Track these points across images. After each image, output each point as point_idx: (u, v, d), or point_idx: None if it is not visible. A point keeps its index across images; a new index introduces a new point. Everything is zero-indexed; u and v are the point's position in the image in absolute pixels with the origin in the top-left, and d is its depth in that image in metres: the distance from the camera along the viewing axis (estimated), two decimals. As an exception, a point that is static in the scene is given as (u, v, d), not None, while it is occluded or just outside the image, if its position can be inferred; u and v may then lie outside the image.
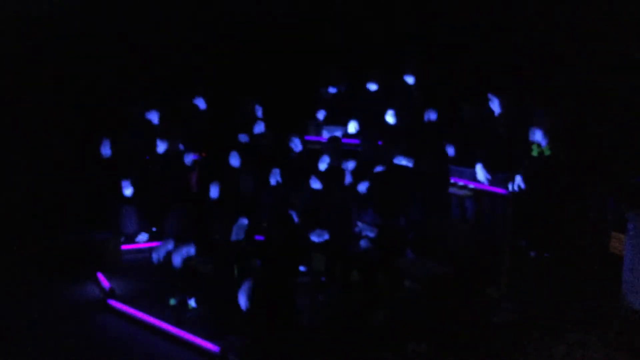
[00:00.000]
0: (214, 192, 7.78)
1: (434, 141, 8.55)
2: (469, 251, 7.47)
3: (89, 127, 9.51)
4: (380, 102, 9.46)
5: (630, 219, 6.73)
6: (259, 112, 9.51)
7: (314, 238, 7.06)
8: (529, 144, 8.01)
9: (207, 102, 9.74)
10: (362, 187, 7.82)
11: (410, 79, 9.48)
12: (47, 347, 6.09)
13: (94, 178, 8.74)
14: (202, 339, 6.05)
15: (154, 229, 8.72)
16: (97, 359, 5.97)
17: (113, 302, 6.85)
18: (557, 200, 7.90)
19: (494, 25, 9.70)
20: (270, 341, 6.11)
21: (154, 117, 9.23)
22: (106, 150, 8.65)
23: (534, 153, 7.98)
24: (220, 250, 6.76)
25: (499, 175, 7.93)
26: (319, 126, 9.63)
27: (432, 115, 8.80)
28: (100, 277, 7.41)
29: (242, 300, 6.10)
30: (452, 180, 8.11)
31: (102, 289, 7.22)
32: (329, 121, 9.65)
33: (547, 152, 7.93)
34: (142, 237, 8.67)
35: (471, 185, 8.14)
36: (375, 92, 9.60)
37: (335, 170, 8.13)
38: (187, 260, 7.00)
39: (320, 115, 9.68)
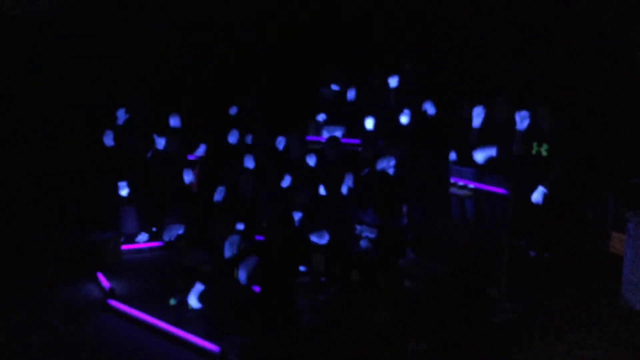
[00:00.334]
0: (218, 195, 7.74)
1: (434, 141, 8.55)
2: (469, 251, 7.47)
3: (89, 126, 9.51)
4: (380, 102, 9.47)
5: (630, 219, 6.74)
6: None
7: (314, 238, 7.06)
8: (530, 144, 8.02)
9: (207, 102, 9.74)
10: (348, 181, 7.80)
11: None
12: (47, 347, 6.09)
13: (94, 178, 8.73)
14: (202, 339, 6.05)
15: (154, 229, 8.71)
16: (97, 359, 5.97)
17: (113, 302, 6.85)
18: (557, 200, 7.91)
19: (494, 25, 9.70)
20: (270, 341, 6.11)
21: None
22: (109, 140, 8.63)
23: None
24: (221, 250, 6.74)
25: (498, 175, 7.94)
26: (319, 126, 9.63)
27: (430, 110, 8.81)
28: (100, 277, 7.41)
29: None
30: (452, 180, 8.10)
31: (102, 289, 7.21)
32: (329, 121, 9.66)
33: (544, 153, 7.93)
34: (142, 237, 8.67)
35: (471, 185, 8.13)
36: (375, 92, 9.60)
37: (335, 170, 8.13)
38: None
39: (320, 117, 9.68)
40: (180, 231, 7.73)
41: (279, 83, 10.51)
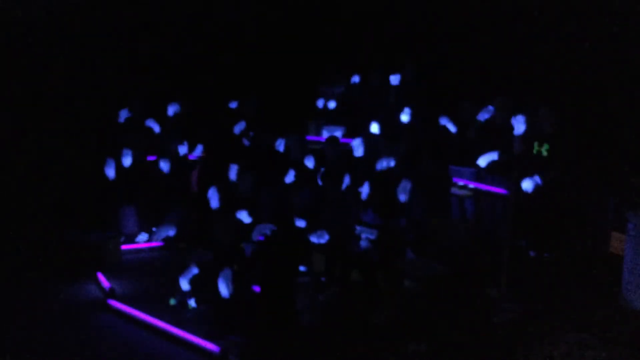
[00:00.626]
0: (214, 201, 7.70)
1: (435, 141, 8.55)
2: (469, 251, 7.47)
3: (89, 126, 9.52)
4: (380, 102, 9.48)
5: (630, 219, 6.74)
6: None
7: (314, 239, 7.06)
8: (530, 143, 8.01)
9: (207, 102, 9.74)
10: (364, 190, 7.83)
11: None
12: (47, 347, 6.09)
13: (94, 178, 8.73)
14: (202, 339, 6.05)
15: (154, 229, 8.71)
16: (97, 359, 5.97)
17: (113, 302, 6.85)
18: (557, 200, 7.90)
19: (493, 25, 9.70)
20: (270, 341, 6.12)
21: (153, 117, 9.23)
22: (110, 171, 8.59)
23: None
24: (221, 250, 6.75)
25: (498, 175, 7.94)
26: (319, 126, 9.64)
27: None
28: (100, 277, 7.41)
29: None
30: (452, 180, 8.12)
31: (102, 289, 7.22)
32: (329, 121, 9.66)
33: (545, 152, 7.93)
34: (142, 237, 8.67)
35: (471, 185, 8.14)
36: (375, 92, 9.60)
37: (334, 169, 8.14)
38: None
39: (331, 104, 9.66)
40: (172, 232, 7.75)
41: (279, 83, 10.50)
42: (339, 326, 6.35)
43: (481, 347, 6.01)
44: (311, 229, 7.26)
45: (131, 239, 8.57)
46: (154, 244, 8.53)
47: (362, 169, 8.20)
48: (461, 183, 8.18)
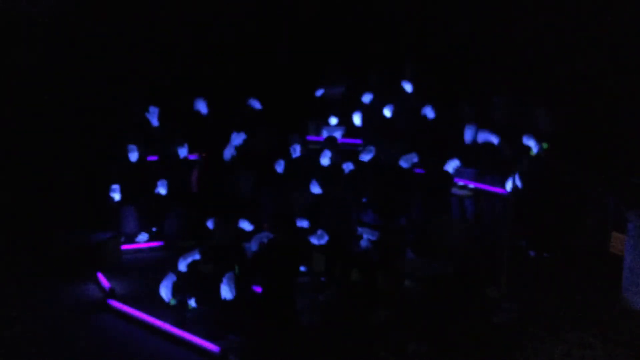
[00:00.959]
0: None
1: (435, 141, 8.55)
2: (469, 251, 7.48)
3: (89, 127, 9.51)
4: (381, 102, 9.47)
5: (630, 219, 6.74)
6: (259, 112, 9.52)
7: (314, 239, 7.06)
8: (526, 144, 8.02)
9: (207, 102, 9.73)
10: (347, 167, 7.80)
11: (408, 82, 9.50)
12: (47, 347, 6.09)
13: (95, 178, 8.73)
14: (202, 339, 6.05)
15: (154, 229, 8.71)
16: (97, 359, 5.97)
17: (113, 302, 6.85)
18: (557, 200, 7.91)
19: (493, 25, 9.70)
20: (270, 341, 6.12)
21: (153, 117, 9.23)
22: (116, 195, 8.62)
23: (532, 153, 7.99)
24: (220, 250, 6.75)
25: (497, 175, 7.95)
26: (319, 126, 9.63)
27: (429, 114, 8.81)
28: (100, 277, 7.41)
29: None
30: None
31: (102, 289, 7.22)
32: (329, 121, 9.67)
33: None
34: (142, 237, 8.67)
35: (471, 185, 8.14)
36: (375, 92, 9.60)
37: (333, 169, 8.14)
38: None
39: (331, 120, 9.68)
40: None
41: (280, 83, 10.49)
42: (339, 326, 6.35)
43: (481, 347, 6.01)
44: (311, 229, 7.27)
45: (131, 239, 8.57)
46: (154, 244, 8.53)
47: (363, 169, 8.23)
48: (461, 183, 8.18)
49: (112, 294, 6.99)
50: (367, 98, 9.50)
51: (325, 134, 9.20)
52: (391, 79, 9.64)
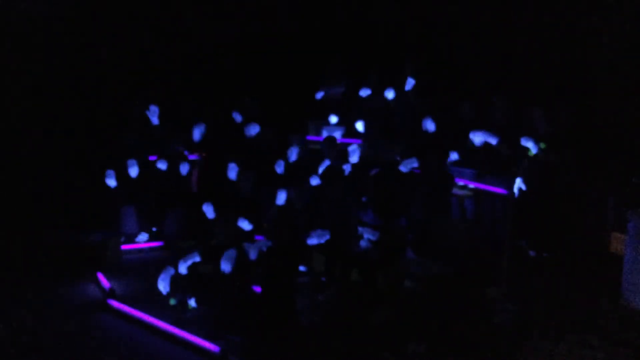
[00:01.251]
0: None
1: (435, 141, 8.55)
2: (469, 251, 7.47)
3: (89, 126, 9.51)
4: (381, 102, 9.48)
5: (630, 219, 6.74)
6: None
7: (314, 240, 7.06)
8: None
9: (206, 102, 9.74)
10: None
11: (409, 82, 9.49)
12: (47, 347, 6.09)
13: (95, 178, 8.73)
14: (202, 339, 6.05)
15: (154, 229, 8.71)
16: (97, 359, 5.97)
17: (113, 302, 6.85)
18: (557, 200, 7.90)
19: (493, 24, 9.70)
20: (270, 341, 6.11)
21: (153, 116, 9.23)
22: (111, 181, 8.60)
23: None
24: (220, 250, 6.75)
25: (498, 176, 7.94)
26: (319, 126, 9.64)
27: (429, 121, 8.81)
28: (100, 277, 7.41)
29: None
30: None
31: (102, 289, 7.22)
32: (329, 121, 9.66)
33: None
34: (142, 237, 8.67)
35: (471, 185, 8.14)
36: (375, 92, 9.60)
37: (333, 169, 8.14)
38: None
39: (331, 119, 9.67)
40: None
41: (280, 83, 10.50)
42: (339, 326, 6.35)
43: (481, 347, 6.01)
44: (311, 229, 7.26)
45: (131, 239, 8.57)
46: (154, 243, 8.54)
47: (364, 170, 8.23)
48: (461, 183, 8.18)
49: (112, 294, 6.99)
50: (365, 94, 9.52)
51: (325, 134, 9.21)
52: (391, 78, 9.64)
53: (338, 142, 8.72)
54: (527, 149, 7.95)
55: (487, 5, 9.74)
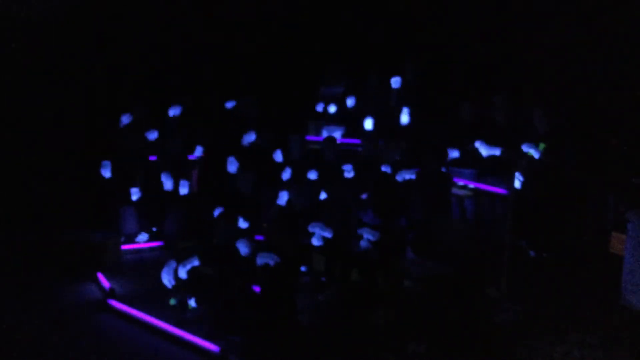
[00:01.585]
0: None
1: (435, 141, 8.55)
2: (469, 251, 7.47)
3: (89, 126, 9.52)
4: (380, 102, 9.48)
5: (630, 219, 6.74)
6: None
7: (314, 240, 7.06)
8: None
9: (207, 102, 9.74)
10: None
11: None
12: (47, 347, 6.09)
13: (95, 178, 8.73)
14: (202, 339, 6.05)
15: (154, 229, 8.71)
16: (97, 359, 5.97)
17: (113, 302, 6.85)
18: (557, 200, 7.91)
19: (492, 24, 9.70)
20: (270, 341, 6.11)
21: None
22: (106, 172, 8.60)
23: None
24: (221, 251, 6.75)
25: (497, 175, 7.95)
26: (319, 126, 9.64)
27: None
28: (100, 277, 7.41)
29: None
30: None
31: (102, 289, 7.21)
32: (329, 121, 9.66)
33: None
34: (142, 237, 8.67)
35: (471, 185, 8.14)
36: (375, 92, 9.60)
37: (333, 169, 8.14)
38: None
39: (331, 108, 9.64)
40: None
41: (280, 83, 10.50)
42: (339, 326, 6.35)
43: (481, 347, 6.01)
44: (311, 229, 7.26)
45: (131, 239, 8.57)
46: (154, 243, 8.53)
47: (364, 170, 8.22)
48: (461, 183, 8.18)
49: (112, 294, 6.99)
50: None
51: (325, 134, 9.21)
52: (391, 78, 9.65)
53: (338, 142, 8.72)
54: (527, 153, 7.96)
55: (487, 5, 9.75)
